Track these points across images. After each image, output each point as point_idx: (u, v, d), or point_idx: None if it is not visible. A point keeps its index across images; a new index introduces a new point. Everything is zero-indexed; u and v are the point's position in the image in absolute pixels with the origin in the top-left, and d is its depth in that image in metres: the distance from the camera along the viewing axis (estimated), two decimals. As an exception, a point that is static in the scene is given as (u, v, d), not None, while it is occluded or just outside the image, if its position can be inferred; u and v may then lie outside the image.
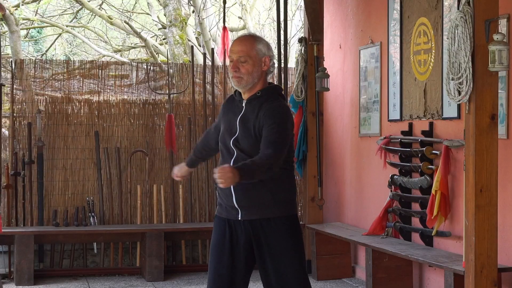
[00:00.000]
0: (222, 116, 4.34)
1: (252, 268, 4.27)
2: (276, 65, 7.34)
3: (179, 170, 4.63)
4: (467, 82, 4.75)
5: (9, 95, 8.16)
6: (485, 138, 4.80)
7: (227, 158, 4.20)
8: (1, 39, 7.97)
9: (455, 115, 6.09)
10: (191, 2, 13.44)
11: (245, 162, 4.00)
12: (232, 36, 13.96)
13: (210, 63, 8.64)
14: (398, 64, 6.96)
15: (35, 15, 15.52)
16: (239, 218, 4.18)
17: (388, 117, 7.15)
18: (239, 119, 4.19)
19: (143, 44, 14.74)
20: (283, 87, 8.21)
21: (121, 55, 16.01)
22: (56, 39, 17.02)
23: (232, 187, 4.08)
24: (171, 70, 8.67)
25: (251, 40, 4.19)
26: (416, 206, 6.64)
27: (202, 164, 8.48)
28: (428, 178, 6.32)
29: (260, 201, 4.14)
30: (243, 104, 4.21)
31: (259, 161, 3.99)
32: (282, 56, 8.23)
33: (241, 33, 14.72)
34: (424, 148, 6.35)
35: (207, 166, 8.42)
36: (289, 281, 4.15)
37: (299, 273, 4.18)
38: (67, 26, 15.71)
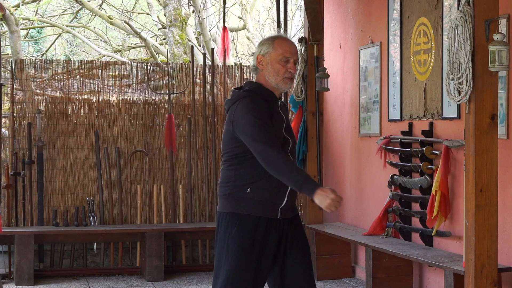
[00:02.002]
0: (270, 118, 4.17)
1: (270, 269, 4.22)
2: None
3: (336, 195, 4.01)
4: (467, 82, 4.76)
5: (9, 95, 8.16)
6: (485, 138, 4.80)
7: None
8: (1, 39, 7.97)
9: (455, 115, 6.09)
10: (191, 2, 13.43)
11: (304, 172, 4.18)
12: (232, 36, 13.98)
13: (210, 63, 8.64)
14: (398, 64, 6.96)
15: (35, 15, 15.52)
16: (278, 217, 4.13)
17: (388, 117, 7.15)
18: (285, 120, 4.22)
19: (143, 44, 14.74)
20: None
21: (121, 55, 16.01)
22: (56, 39, 17.01)
23: (289, 186, 4.10)
24: (171, 70, 8.68)
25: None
26: (416, 206, 6.64)
27: (202, 164, 8.49)
28: (428, 178, 6.32)
29: (295, 199, 4.26)
30: (279, 103, 4.23)
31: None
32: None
33: (241, 33, 14.75)
34: (424, 148, 6.36)
35: (207, 165, 8.42)
36: (307, 277, 4.18)
37: (312, 269, 4.26)
38: (67, 26, 15.71)
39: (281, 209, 4.14)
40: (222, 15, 9.69)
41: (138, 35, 14.45)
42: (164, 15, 13.18)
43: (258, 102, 4.10)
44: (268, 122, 4.05)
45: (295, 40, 6.21)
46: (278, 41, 4.18)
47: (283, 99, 7.76)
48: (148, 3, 15.12)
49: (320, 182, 7.90)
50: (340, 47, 8.23)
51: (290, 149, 4.19)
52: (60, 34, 16.74)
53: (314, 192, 3.90)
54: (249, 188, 4.09)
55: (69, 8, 16.48)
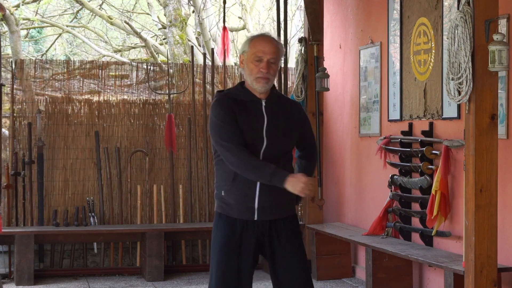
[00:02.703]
0: (236, 117, 4.11)
1: (254, 269, 4.24)
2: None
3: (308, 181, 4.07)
4: (467, 82, 4.76)
5: (9, 95, 8.16)
6: (485, 138, 4.80)
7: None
8: (1, 39, 7.97)
9: (455, 115, 6.09)
10: (191, 2, 13.43)
11: (309, 165, 4.30)
12: (232, 36, 13.99)
13: (210, 63, 8.64)
14: (398, 64, 6.96)
15: (35, 15, 15.52)
16: (255, 218, 4.12)
17: (388, 117, 7.15)
18: (266, 119, 4.13)
19: (143, 44, 14.74)
20: (283, 87, 8.23)
21: (121, 55, 16.01)
22: (56, 39, 17.01)
23: (258, 188, 4.07)
24: (171, 70, 8.68)
25: (276, 41, 4.19)
26: (416, 206, 6.64)
27: (202, 164, 8.49)
28: (428, 178, 6.32)
29: (279, 201, 4.15)
30: (263, 103, 4.15)
31: (314, 159, 4.34)
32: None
33: (241, 33, 14.74)
34: (424, 148, 6.36)
35: (207, 165, 8.42)
36: (300, 279, 4.15)
37: (307, 271, 4.21)
38: (67, 26, 15.71)
39: (258, 210, 4.11)
40: (222, 15, 9.70)
41: (138, 35, 14.45)
42: (164, 15, 13.18)
43: (224, 103, 4.12)
44: (230, 122, 4.06)
45: (295, 40, 6.19)
46: (255, 40, 4.16)
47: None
48: (148, 3, 15.12)
49: (320, 182, 7.91)
50: (340, 47, 8.23)
51: (264, 149, 4.10)
52: (60, 34, 16.74)
53: (284, 180, 3.95)
54: (223, 191, 4.14)
55: (69, 8, 16.48)
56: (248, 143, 4.08)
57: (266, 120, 4.13)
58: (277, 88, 5.00)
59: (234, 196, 4.10)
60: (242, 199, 4.07)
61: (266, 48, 4.11)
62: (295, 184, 3.94)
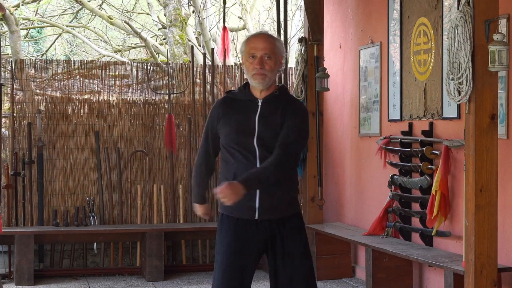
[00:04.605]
0: (224, 118, 4.16)
1: (255, 268, 4.24)
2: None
3: (204, 212, 4.54)
4: (467, 82, 4.76)
5: (9, 95, 8.16)
6: (485, 138, 4.80)
7: (248, 159, 4.09)
8: (1, 39, 7.97)
9: (455, 115, 6.09)
10: (191, 2, 13.44)
11: (252, 171, 4.02)
12: (232, 36, 13.98)
13: (210, 63, 8.64)
14: (398, 64, 6.96)
15: (35, 15, 15.52)
16: (256, 218, 4.12)
17: (388, 117, 7.15)
18: (257, 117, 4.11)
19: (143, 44, 14.74)
20: (283, 87, 8.22)
21: (121, 55, 16.01)
22: (56, 39, 17.02)
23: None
24: (171, 70, 8.68)
25: (272, 37, 4.17)
26: (416, 206, 6.64)
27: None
28: (428, 178, 6.32)
29: (281, 200, 4.14)
30: (259, 103, 4.14)
31: (268, 166, 4.01)
32: (282, 56, 8.23)
33: (241, 33, 14.74)
34: (424, 148, 6.36)
35: (207, 166, 8.41)
36: (302, 279, 4.14)
37: (311, 271, 4.20)
38: (67, 26, 15.71)
39: (259, 210, 4.11)
40: (222, 15, 9.69)
41: (138, 35, 14.46)
42: (164, 15, 13.18)
43: (216, 106, 4.26)
44: (210, 128, 4.25)
45: (295, 40, 6.20)
46: (249, 39, 4.18)
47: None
48: (148, 3, 15.13)
49: (320, 182, 7.91)
50: (340, 47, 8.23)
51: (258, 150, 4.08)
52: (60, 34, 16.74)
53: (194, 199, 4.48)
54: None
55: (69, 8, 16.49)
56: (240, 142, 4.08)
57: (257, 120, 4.10)
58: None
59: None
60: (243, 199, 4.02)
61: (259, 44, 4.10)
62: (197, 210, 4.46)
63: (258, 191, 4.09)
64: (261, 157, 4.07)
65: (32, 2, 14.98)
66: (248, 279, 4.14)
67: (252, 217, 4.12)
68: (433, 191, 6.09)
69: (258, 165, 4.06)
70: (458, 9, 4.86)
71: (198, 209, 4.52)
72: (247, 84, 4.22)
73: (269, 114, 4.12)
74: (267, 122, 4.11)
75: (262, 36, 4.15)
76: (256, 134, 4.09)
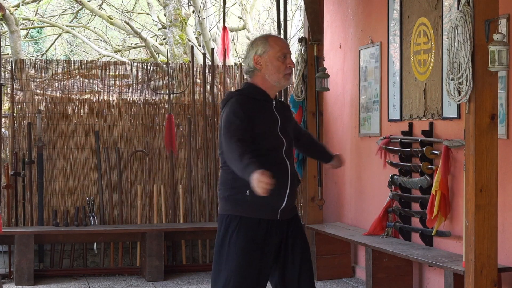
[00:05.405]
0: (252, 116, 4.06)
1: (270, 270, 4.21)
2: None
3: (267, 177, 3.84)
4: (467, 82, 4.76)
5: (9, 95, 8.16)
6: (485, 138, 4.80)
7: (280, 160, 4.12)
8: (1, 39, 7.97)
9: (455, 115, 6.09)
10: (191, 2, 13.43)
11: (322, 146, 4.78)
12: (232, 36, 13.98)
13: (210, 63, 8.64)
14: (398, 64, 6.96)
15: (35, 15, 15.52)
16: (278, 218, 4.11)
17: (388, 117, 7.15)
18: (280, 118, 4.19)
19: (143, 44, 14.74)
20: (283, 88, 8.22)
21: (121, 55, 16.01)
22: (56, 39, 17.02)
23: (288, 188, 4.10)
24: (171, 70, 8.68)
25: None
26: (416, 206, 6.64)
27: (202, 164, 8.49)
28: (428, 178, 6.32)
29: (294, 200, 4.24)
30: (274, 104, 4.21)
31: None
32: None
33: (241, 33, 14.74)
34: (424, 148, 6.36)
35: (207, 165, 8.42)
36: (308, 277, 4.17)
37: (311, 269, 4.25)
38: (67, 26, 15.71)
39: (281, 211, 4.12)
40: (222, 15, 9.69)
41: (138, 35, 14.46)
42: (164, 15, 13.18)
43: (243, 101, 4.09)
44: (242, 119, 4.00)
45: (295, 40, 6.23)
46: (272, 39, 4.20)
47: (283, 99, 7.79)
48: (148, 3, 15.13)
49: (320, 182, 7.91)
50: (340, 47, 8.23)
51: (285, 149, 4.16)
52: (60, 34, 16.74)
53: (252, 174, 3.76)
54: (248, 190, 3.99)
55: (69, 8, 16.49)
56: (271, 143, 4.10)
57: (279, 120, 4.18)
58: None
59: (264, 196, 3.83)
60: (273, 198, 3.98)
61: (287, 45, 4.23)
62: (257, 181, 3.72)
63: (288, 193, 4.10)
64: (286, 156, 4.16)
65: (32, 2, 14.98)
66: (264, 281, 4.13)
67: (274, 217, 4.10)
68: (433, 191, 6.09)
69: (287, 160, 4.15)
70: (458, 9, 4.86)
71: (261, 177, 3.74)
72: (252, 84, 4.20)
73: (283, 115, 4.24)
74: (284, 122, 4.21)
75: (282, 38, 4.40)
76: (280, 136, 4.16)
